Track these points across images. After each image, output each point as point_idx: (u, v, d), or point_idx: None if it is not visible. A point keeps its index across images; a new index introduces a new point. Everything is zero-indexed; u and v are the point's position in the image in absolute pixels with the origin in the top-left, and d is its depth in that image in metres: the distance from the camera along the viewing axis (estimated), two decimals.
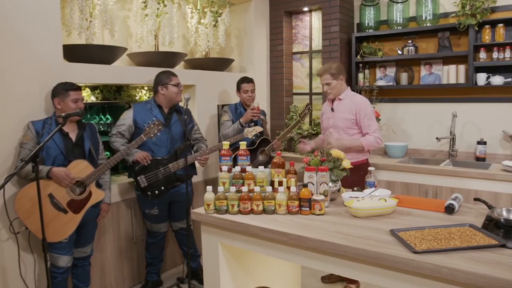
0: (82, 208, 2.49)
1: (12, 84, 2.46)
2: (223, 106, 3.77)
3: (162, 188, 2.93)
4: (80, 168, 2.46)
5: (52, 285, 2.46)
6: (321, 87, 4.22)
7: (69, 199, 2.44)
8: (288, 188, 2.15)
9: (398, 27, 3.95)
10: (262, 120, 3.53)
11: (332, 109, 3.07)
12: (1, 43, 2.40)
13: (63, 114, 2.32)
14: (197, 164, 3.19)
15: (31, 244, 2.51)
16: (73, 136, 2.52)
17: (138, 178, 2.88)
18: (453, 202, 2.06)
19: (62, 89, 2.46)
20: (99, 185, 2.64)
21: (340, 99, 3.03)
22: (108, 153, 3.21)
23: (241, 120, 3.37)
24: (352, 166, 2.37)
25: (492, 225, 1.85)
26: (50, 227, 2.36)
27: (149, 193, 2.90)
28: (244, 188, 2.14)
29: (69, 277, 2.61)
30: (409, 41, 3.90)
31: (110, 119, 3.45)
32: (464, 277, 1.40)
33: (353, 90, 3.98)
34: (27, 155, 2.23)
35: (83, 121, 2.63)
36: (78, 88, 2.52)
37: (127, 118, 2.95)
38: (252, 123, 3.47)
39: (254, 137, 3.29)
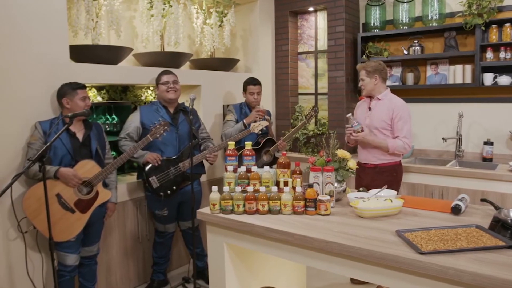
0: (89, 207, 2.50)
1: (19, 85, 2.48)
2: (228, 106, 3.77)
3: (174, 187, 2.94)
4: (87, 168, 2.48)
5: (59, 284, 2.49)
6: (327, 87, 4.30)
7: (76, 199, 2.46)
8: (294, 188, 2.15)
9: (404, 27, 3.93)
10: (267, 121, 3.53)
11: (370, 108, 3.01)
12: (8, 44, 2.42)
13: (69, 114, 2.34)
14: (206, 163, 3.20)
15: (38, 243, 2.53)
16: (80, 136, 2.54)
17: (150, 179, 2.88)
18: (459, 202, 2.05)
19: (70, 89, 2.49)
20: (105, 185, 2.66)
21: (379, 99, 2.96)
22: (114, 153, 3.22)
23: (245, 120, 3.37)
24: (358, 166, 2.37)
25: (499, 226, 1.83)
26: (58, 227, 2.38)
27: (161, 193, 2.90)
28: (250, 188, 2.15)
29: (76, 276, 2.63)
30: (415, 41, 3.88)
31: (116, 119, 3.47)
32: (471, 279, 1.39)
33: (358, 90, 4.00)
34: (34, 155, 2.24)
35: (89, 120, 2.65)
36: (84, 87, 2.55)
37: (134, 120, 2.97)
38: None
39: (260, 132, 3.29)
